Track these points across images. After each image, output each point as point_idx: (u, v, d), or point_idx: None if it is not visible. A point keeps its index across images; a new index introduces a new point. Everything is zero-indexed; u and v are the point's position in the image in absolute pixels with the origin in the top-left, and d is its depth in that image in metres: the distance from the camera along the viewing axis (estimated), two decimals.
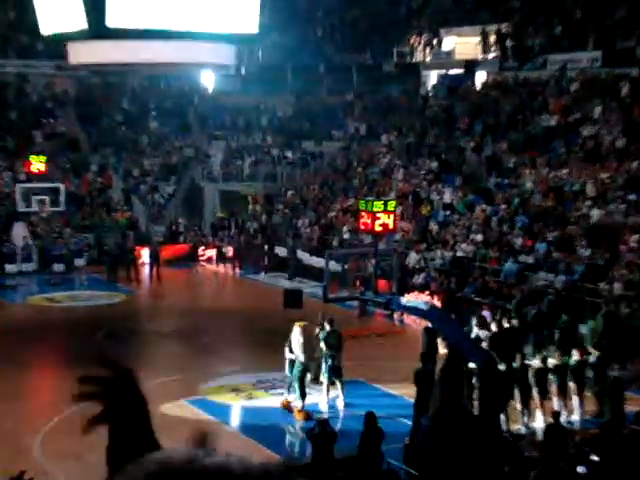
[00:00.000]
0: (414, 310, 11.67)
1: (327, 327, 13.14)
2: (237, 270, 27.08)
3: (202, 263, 28.50)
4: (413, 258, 22.01)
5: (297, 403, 12.37)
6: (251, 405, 13.20)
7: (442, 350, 11.86)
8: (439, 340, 12.09)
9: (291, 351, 12.84)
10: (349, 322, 18.43)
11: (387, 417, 11.73)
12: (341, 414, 12.74)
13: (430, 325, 13.07)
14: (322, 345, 12.99)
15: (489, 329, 13.29)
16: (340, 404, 12.85)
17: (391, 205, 11.66)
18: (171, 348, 16.72)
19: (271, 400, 13.33)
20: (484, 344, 12.29)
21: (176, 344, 17.01)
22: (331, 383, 12.90)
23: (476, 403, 11.29)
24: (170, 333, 17.95)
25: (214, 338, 17.50)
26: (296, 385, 12.25)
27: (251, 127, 36.69)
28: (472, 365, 11.31)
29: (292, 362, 12.88)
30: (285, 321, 18.71)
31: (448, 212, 24.07)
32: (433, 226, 23.69)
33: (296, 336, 12.34)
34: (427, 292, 20.01)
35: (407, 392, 12.37)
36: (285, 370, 13.06)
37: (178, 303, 21.45)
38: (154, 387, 13.67)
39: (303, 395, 12.22)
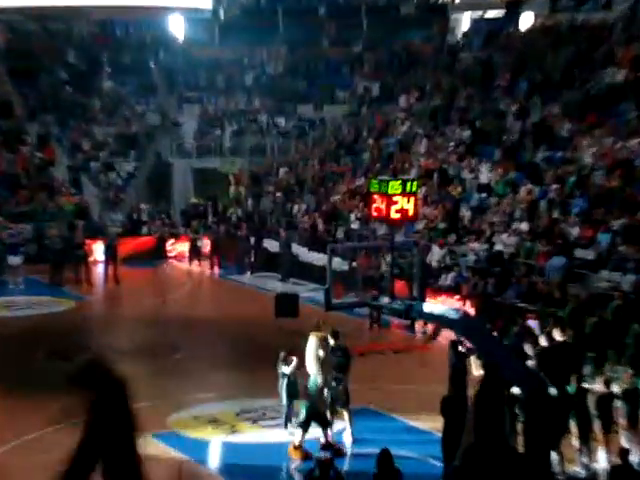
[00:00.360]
0: (441, 319, 11.67)
1: (330, 341, 13.15)
2: (216, 269, 27.13)
3: (171, 260, 28.51)
4: (437, 253, 22.04)
5: (296, 436, 12.36)
6: (234, 441, 13.21)
7: (476, 371, 11.87)
8: (472, 358, 12.09)
9: (288, 366, 12.86)
10: (358, 335, 18.41)
11: (408, 457, 11.73)
12: (348, 452, 12.76)
13: (460, 338, 13.07)
14: None
15: (537, 343, 13.29)
16: (347, 439, 12.88)
17: (411, 186, 11.63)
18: (132, 369, 16.70)
19: (259, 434, 13.35)
20: (530, 363, 12.31)
21: (138, 364, 17.01)
22: (335, 413, 12.94)
23: (521, 438, 11.29)
24: (131, 350, 17.96)
25: (187, 356, 17.51)
26: (303, 411, 12.20)
27: (233, 87, 36.66)
28: (516, 390, 11.32)
29: (290, 385, 12.88)
30: (277, 334, 18.75)
31: (484, 194, 24.06)
32: (465, 212, 23.69)
33: (312, 349, 12.26)
34: (457, 296, 20.03)
35: (435, 425, 12.38)
36: (282, 398, 13.08)
37: (141, 312, 21.46)
38: None
39: (313, 423, 12.13)
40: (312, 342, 12.34)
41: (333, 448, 12.21)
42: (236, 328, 19.78)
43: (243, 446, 13.04)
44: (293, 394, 13.02)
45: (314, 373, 12.22)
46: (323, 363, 12.21)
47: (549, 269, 19.39)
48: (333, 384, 12.84)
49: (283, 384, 12.99)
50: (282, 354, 13.09)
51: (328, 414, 12.67)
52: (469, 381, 12.41)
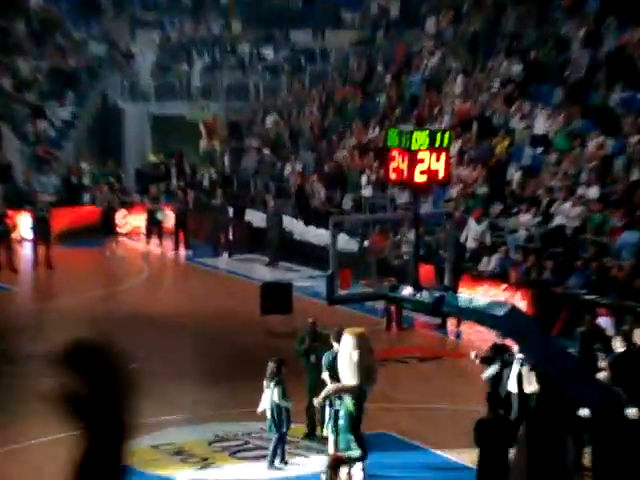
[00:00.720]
0: (481, 316, 11.62)
1: (335, 346, 13.16)
2: (182, 250, 27.15)
3: (122, 238, 28.45)
4: (475, 229, 21.97)
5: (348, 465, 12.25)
6: (207, 478, 13.20)
7: (529, 386, 11.86)
8: (524, 369, 12.08)
9: (280, 384, 12.80)
10: (372, 337, 18.39)
11: None
12: None
13: (506, 342, 13.03)
14: (325, 376, 13.00)
15: (610, 348, 13.28)
16: (357, 476, 12.89)
17: (442, 138, 11.57)
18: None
19: (239, 469, 13.34)
20: (602, 374, 12.29)
21: None
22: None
23: (589, 474, 11.28)
24: None
25: (144, 367, 17.48)
26: (354, 443, 12.05)
27: (203, 6, 36.47)
28: (582, 411, 11.31)
29: (285, 407, 12.86)
30: (263, 336, 18.74)
31: (540, 149, 23.99)
32: (514, 174, 23.64)
33: (348, 352, 12.08)
34: (503, 285, 20.03)
35: (473, 458, 12.38)
36: (273, 426, 13.05)
37: (82, 307, 21.46)
38: (40, 448, 13.67)
39: (363, 451, 12.04)
40: (347, 342, 12.11)
41: None
42: (209, 329, 19.76)
43: None
44: (288, 418, 12.99)
45: (347, 381, 12.03)
46: (362, 367, 11.92)
47: (620, 248, 19.37)
48: (337, 402, 12.82)
49: (274, 407, 12.88)
50: (272, 365, 12.99)
51: (331, 436, 12.65)
52: (517, 400, 12.39)
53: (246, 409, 14.65)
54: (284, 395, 12.93)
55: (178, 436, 14.42)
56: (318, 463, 13.15)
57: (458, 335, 19.25)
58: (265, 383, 13.04)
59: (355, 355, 11.86)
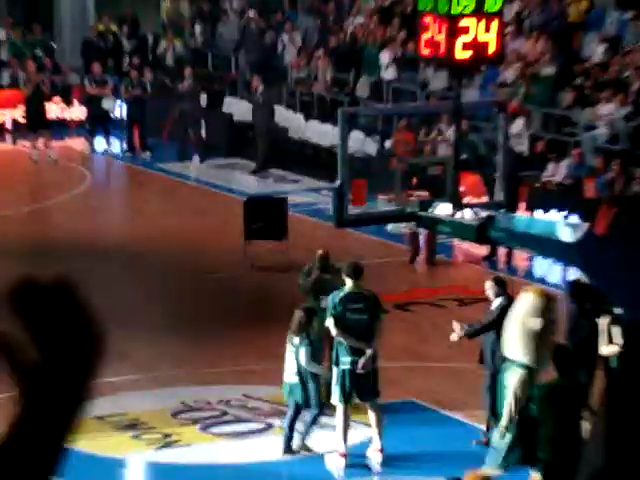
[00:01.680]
0: (544, 244, 11.64)
1: (348, 284, 13.20)
2: (139, 151, 27.21)
3: (56, 135, 28.44)
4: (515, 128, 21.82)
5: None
6: (169, 460, 13.36)
7: (608, 345, 11.92)
8: (600, 320, 12.13)
9: (308, 341, 12.81)
10: (395, 273, 18.51)
11: None
12: (376, 476, 12.97)
13: (580, 280, 13.08)
14: (330, 324, 13.05)
15: None
16: (374, 456, 13.03)
17: (494, 0, 11.55)
18: None
19: (215, 449, 13.53)
20: None
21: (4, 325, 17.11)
22: (350, 408, 13.02)
23: None
24: None
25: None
26: (508, 424, 12.10)
27: None
28: None
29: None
30: (247, 269, 18.77)
31: (629, 14, 23.86)
32: (594, 48, 23.54)
33: (521, 316, 11.97)
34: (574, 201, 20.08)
35: None
36: (285, 381, 13.10)
37: (8, 228, 21.54)
38: None
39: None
40: (526, 304, 12.07)
41: None
42: (174, 260, 19.87)
43: (185, 470, 13.15)
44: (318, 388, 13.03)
45: (520, 355, 12.06)
46: (537, 340, 11.93)
47: None
48: (347, 359, 12.88)
49: (303, 372, 12.85)
50: (299, 315, 12.79)
51: (340, 405, 12.76)
52: (596, 359, 12.48)
53: (224, 368, 14.74)
54: (313, 357, 12.87)
55: (131, 403, 14.54)
56: (321, 444, 13.23)
57: (511, 270, 19.27)
58: (289, 339, 12.99)
59: (532, 322, 11.72)
